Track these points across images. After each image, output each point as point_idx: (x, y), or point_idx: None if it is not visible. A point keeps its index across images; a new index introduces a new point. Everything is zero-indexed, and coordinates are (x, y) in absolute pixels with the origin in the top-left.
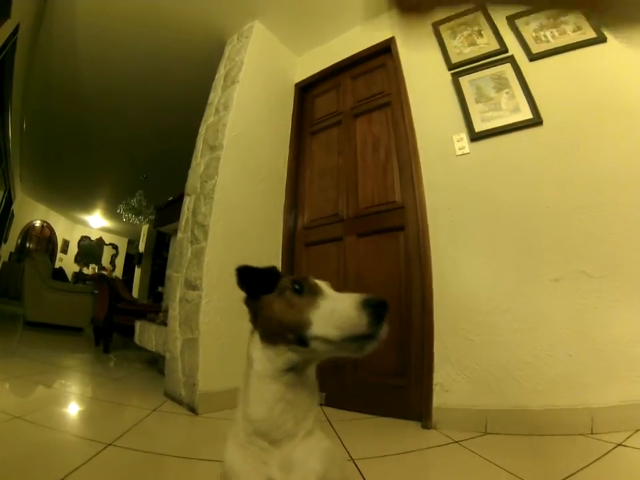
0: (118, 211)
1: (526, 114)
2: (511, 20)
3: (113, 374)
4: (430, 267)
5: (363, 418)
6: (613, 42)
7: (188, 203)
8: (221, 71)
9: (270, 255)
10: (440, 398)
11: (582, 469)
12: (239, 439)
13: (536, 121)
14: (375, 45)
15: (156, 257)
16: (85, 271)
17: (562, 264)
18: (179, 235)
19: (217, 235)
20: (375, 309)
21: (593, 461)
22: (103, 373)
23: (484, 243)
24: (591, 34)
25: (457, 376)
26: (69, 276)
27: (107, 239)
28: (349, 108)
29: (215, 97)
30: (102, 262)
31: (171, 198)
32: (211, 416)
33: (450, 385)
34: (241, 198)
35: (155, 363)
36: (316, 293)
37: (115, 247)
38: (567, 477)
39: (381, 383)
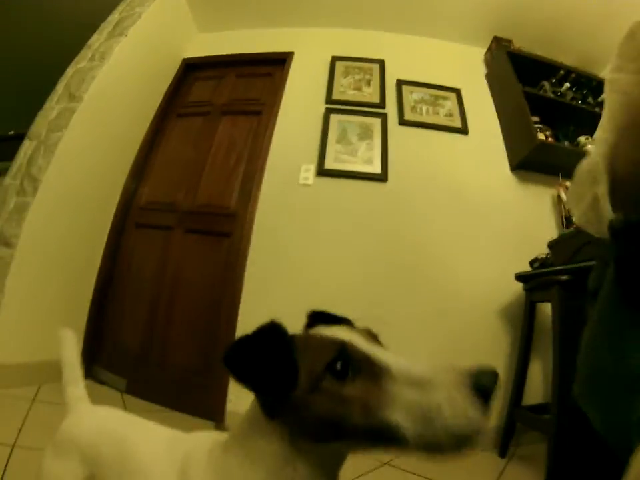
0: None
1: (376, 168)
2: (399, 84)
3: None
4: (243, 277)
5: (163, 411)
6: (472, 137)
7: (27, 147)
8: (116, 15)
9: (100, 227)
10: (233, 405)
11: None
12: None
13: (382, 178)
14: (273, 53)
15: None
16: None
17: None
18: (7, 179)
19: (48, 194)
20: (485, 391)
21: None
22: None
23: (297, 270)
24: (458, 124)
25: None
26: None
27: None
28: (221, 103)
29: (97, 41)
30: None
31: (12, 132)
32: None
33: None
34: (86, 159)
35: None
36: (372, 369)
37: None
38: None
39: (186, 379)
